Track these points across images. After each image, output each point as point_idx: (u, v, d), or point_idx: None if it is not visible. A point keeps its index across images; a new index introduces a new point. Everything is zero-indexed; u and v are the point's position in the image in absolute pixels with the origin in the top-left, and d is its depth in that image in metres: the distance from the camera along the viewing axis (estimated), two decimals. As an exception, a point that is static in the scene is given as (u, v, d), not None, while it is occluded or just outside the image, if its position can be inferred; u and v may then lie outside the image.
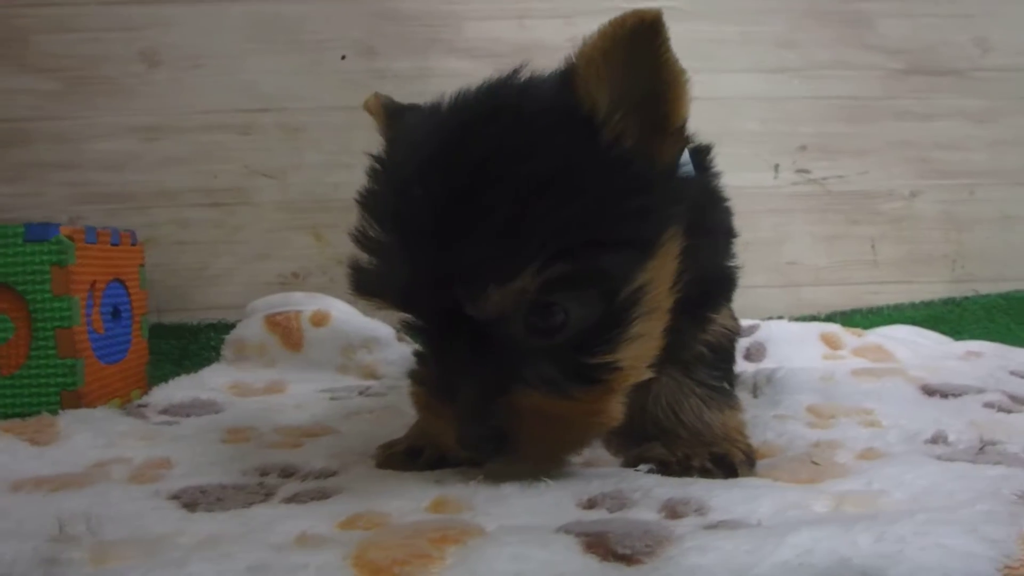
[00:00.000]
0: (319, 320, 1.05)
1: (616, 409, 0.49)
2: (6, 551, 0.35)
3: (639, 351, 0.49)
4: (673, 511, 0.45)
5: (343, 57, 1.24)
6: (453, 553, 0.35)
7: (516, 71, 0.54)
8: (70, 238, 0.87)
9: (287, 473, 0.55)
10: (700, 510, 0.45)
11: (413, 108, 0.61)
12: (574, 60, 0.49)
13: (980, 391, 0.78)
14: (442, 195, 0.45)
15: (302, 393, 0.92)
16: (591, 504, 0.46)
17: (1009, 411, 0.72)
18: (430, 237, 0.45)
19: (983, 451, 0.57)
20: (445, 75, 1.25)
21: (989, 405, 0.73)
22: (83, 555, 0.35)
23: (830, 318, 1.28)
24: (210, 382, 0.96)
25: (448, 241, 0.45)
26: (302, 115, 1.24)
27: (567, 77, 0.49)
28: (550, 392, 0.47)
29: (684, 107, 0.50)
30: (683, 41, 1.22)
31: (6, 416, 0.83)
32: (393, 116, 0.61)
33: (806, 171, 1.33)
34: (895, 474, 0.51)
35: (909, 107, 1.34)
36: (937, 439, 0.62)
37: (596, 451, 0.60)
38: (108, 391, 0.93)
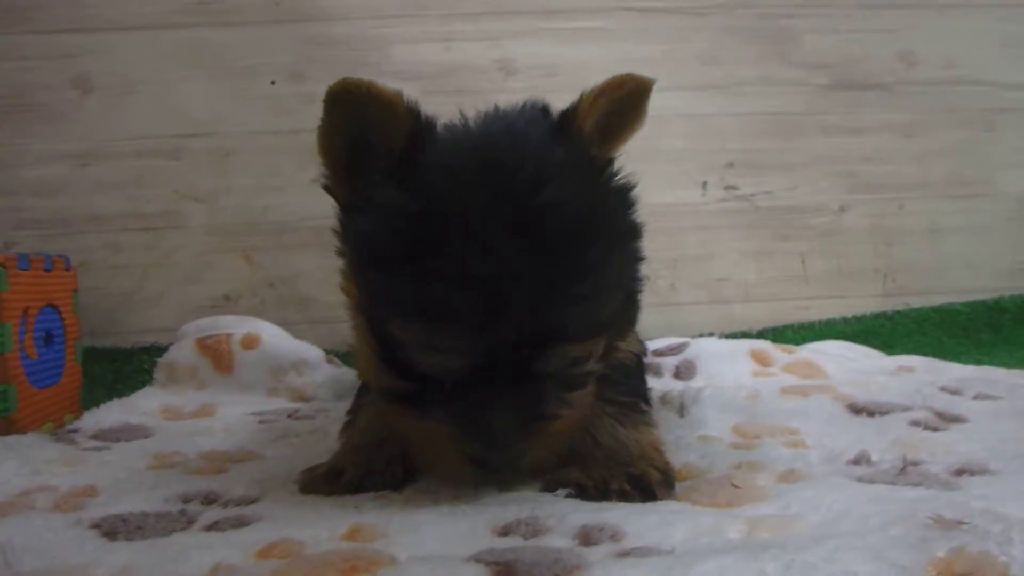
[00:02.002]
0: (249, 343, 1.08)
1: None
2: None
3: None
4: (587, 537, 0.46)
5: (273, 82, 1.27)
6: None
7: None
8: (2, 265, 0.89)
9: (209, 500, 0.58)
10: (614, 536, 0.46)
11: (437, 126, 0.57)
12: (576, 114, 0.55)
13: (906, 408, 0.79)
14: (531, 250, 0.47)
15: (231, 416, 0.95)
16: (506, 531, 0.48)
17: (935, 429, 0.73)
18: (519, 291, 0.47)
19: (904, 472, 0.58)
20: (375, 99, 1.29)
21: (915, 423, 0.74)
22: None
23: (761, 334, 1.29)
24: (141, 406, 0.98)
25: (537, 300, 0.47)
26: (232, 139, 1.26)
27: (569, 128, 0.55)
28: (562, 420, 0.54)
29: (633, 134, 0.59)
30: (608, 61, 1.34)
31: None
32: (420, 128, 0.55)
33: (734, 187, 1.35)
34: (812, 497, 0.51)
35: (836, 122, 1.36)
36: (860, 459, 0.62)
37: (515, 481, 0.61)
38: (41, 415, 0.94)
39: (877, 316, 1.35)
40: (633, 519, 0.48)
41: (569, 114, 0.56)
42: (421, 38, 1.30)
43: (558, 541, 0.46)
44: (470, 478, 0.54)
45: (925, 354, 1.20)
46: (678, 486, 0.57)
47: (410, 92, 1.33)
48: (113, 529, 0.51)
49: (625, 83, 0.57)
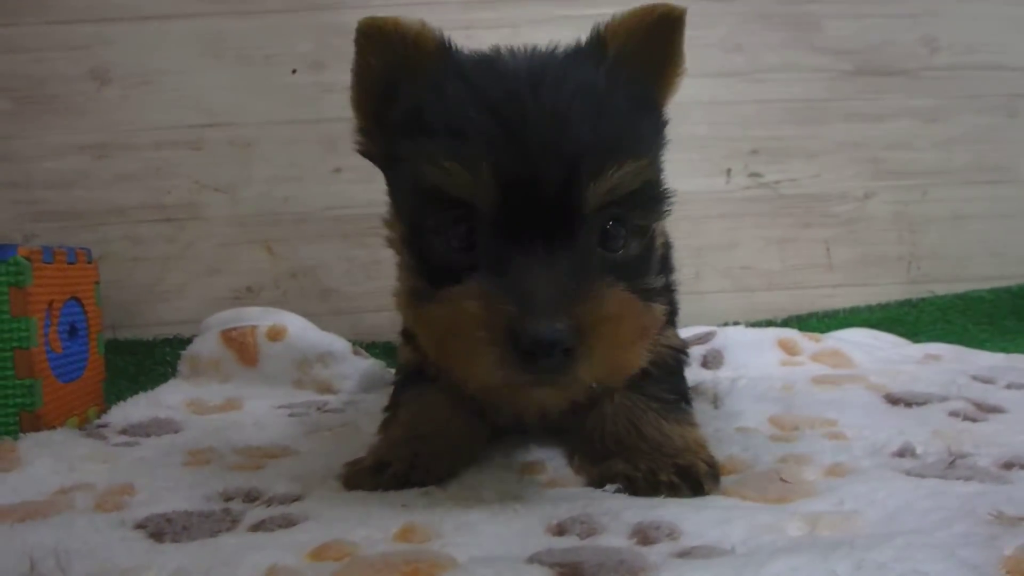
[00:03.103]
0: (275, 335, 1.07)
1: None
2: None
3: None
4: (645, 536, 0.45)
5: (294, 71, 1.26)
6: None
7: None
8: (27, 259, 0.88)
9: (251, 498, 0.58)
10: (672, 535, 0.45)
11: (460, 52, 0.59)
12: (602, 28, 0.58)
13: (944, 399, 0.79)
14: (559, 100, 0.50)
15: (259, 409, 0.94)
16: (560, 530, 0.47)
17: (975, 420, 0.72)
18: (554, 121, 0.49)
19: (953, 465, 0.57)
20: (393, 89, 1.28)
21: (954, 414, 0.73)
22: (57, 592, 0.38)
23: (785, 322, 1.30)
24: (167, 400, 0.97)
25: (571, 125, 0.50)
26: (252, 130, 1.26)
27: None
28: (619, 299, 0.50)
29: (677, 78, 0.62)
30: None
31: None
32: (442, 52, 0.57)
33: (758, 175, 1.35)
34: (866, 492, 0.51)
35: (859, 108, 1.35)
36: (904, 452, 0.62)
37: (561, 471, 0.62)
38: (66, 409, 0.94)
39: (902, 304, 1.36)
40: (688, 516, 0.48)
41: (596, 32, 0.58)
42: (441, 27, 1.29)
43: (616, 540, 0.45)
44: (512, 380, 0.47)
45: (950, 342, 1.20)
46: (724, 480, 0.57)
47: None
48: (159, 530, 0.50)
49: (655, 9, 0.59)
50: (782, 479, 0.56)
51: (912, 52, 1.37)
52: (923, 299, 1.35)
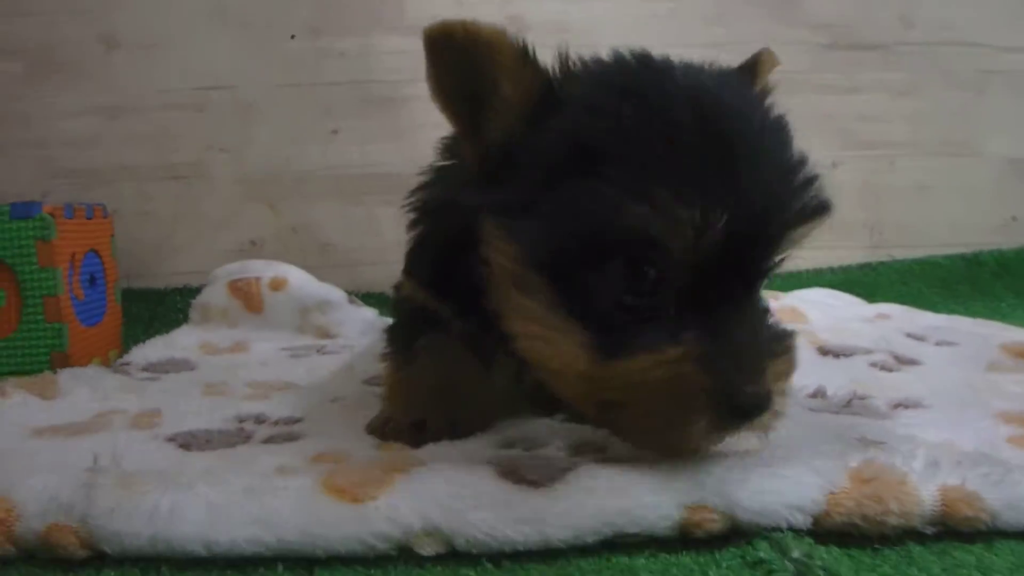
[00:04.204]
0: (277, 285, 1.17)
1: None
2: (50, 480, 0.48)
3: None
4: (577, 450, 0.55)
5: (293, 37, 1.33)
6: (400, 479, 0.47)
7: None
8: (51, 215, 0.98)
9: (260, 420, 0.68)
10: (601, 449, 0.54)
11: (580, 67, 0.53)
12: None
13: (869, 352, 0.89)
14: (770, 142, 0.49)
15: (265, 351, 1.05)
16: (509, 445, 0.57)
17: (890, 370, 0.82)
18: (777, 170, 0.47)
19: (849, 404, 0.66)
20: (388, 52, 1.35)
21: (874, 364, 0.84)
22: (113, 481, 0.48)
23: None
24: (181, 342, 1.08)
25: (792, 174, 0.48)
26: (253, 93, 1.33)
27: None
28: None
29: None
30: (616, 19, 1.44)
31: (6, 372, 0.95)
32: (534, 67, 0.51)
33: None
34: None
35: (833, 81, 1.40)
36: (817, 394, 0.70)
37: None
38: (90, 351, 1.05)
39: (862, 267, 1.44)
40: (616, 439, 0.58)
41: (753, 61, 0.61)
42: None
43: (554, 452, 0.56)
44: (716, 441, 0.47)
45: (906, 304, 1.28)
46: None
47: (421, 46, 1.40)
48: (187, 443, 0.61)
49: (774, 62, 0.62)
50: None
51: (888, 27, 1.42)
52: (882, 263, 1.44)
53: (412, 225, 0.70)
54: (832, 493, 0.46)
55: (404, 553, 0.45)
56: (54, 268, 0.97)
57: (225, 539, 0.45)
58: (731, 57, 1.38)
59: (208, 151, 1.34)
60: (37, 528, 0.46)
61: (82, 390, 0.78)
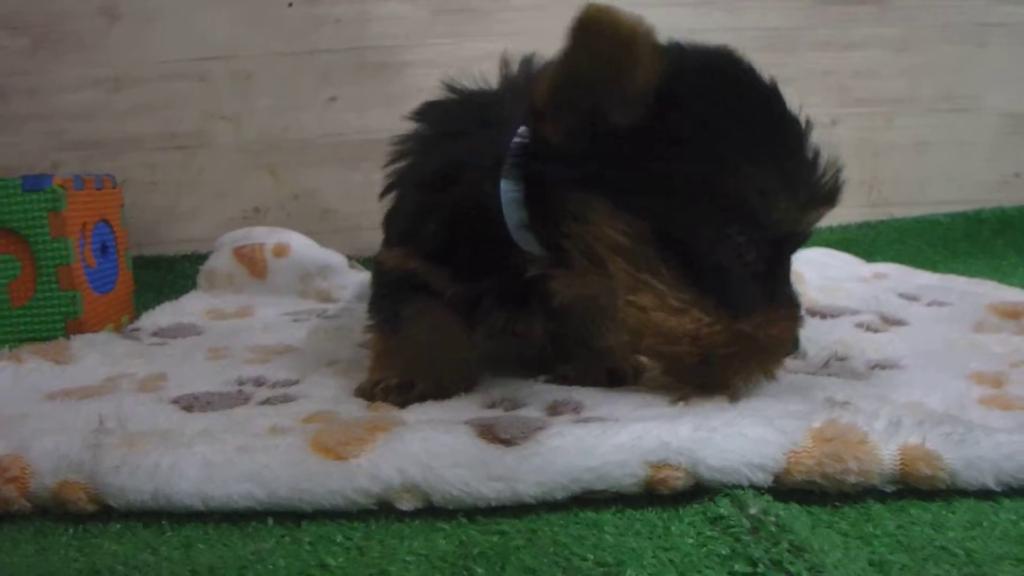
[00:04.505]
0: (280, 251, 1.20)
1: None
2: (61, 441, 0.51)
3: None
4: (554, 409, 0.58)
5: (290, 4, 1.34)
6: (382, 438, 0.50)
7: None
8: (61, 187, 1.01)
9: (259, 383, 0.72)
10: (576, 409, 0.58)
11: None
12: None
13: (856, 312, 0.90)
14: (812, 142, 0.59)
15: (268, 316, 1.08)
16: (492, 405, 0.60)
17: (876, 331, 0.83)
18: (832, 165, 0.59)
19: (827, 365, 0.68)
20: (383, 18, 1.35)
21: (859, 325, 0.85)
22: (118, 441, 0.51)
23: None
24: (189, 308, 1.12)
25: (827, 171, 0.59)
26: (252, 62, 1.35)
27: None
28: None
29: None
30: None
31: (24, 339, 0.99)
32: (662, 56, 0.55)
33: None
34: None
35: (830, 37, 1.38)
36: (797, 356, 0.66)
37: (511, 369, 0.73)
38: (103, 317, 1.09)
39: (861, 226, 1.43)
40: (593, 395, 0.62)
41: None
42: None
43: (532, 412, 0.59)
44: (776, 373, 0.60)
45: (905, 262, 1.28)
46: (646, 375, 0.70)
47: (416, 12, 1.42)
48: (189, 405, 0.65)
49: None
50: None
51: (888, -20, 1.39)
52: (882, 221, 1.43)
53: (406, 196, 0.70)
54: (793, 452, 0.48)
55: (384, 508, 0.49)
56: (66, 238, 1.01)
57: (220, 494, 0.49)
58: (726, 17, 1.37)
59: (209, 120, 1.36)
60: (49, 485, 0.50)
61: (93, 355, 0.82)
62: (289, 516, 0.49)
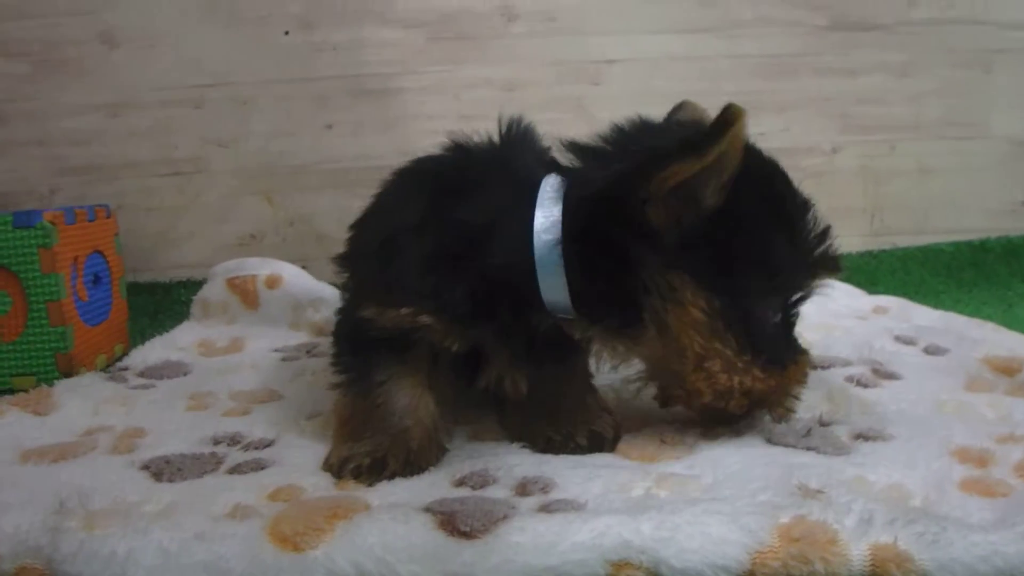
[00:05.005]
0: (272, 283, 1.20)
1: None
2: (22, 521, 0.51)
3: None
4: (524, 488, 0.57)
5: (287, 32, 1.33)
6: (340, 526, 0.50)
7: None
8: (52, 222, 1.01)
9: (235, 441, 0.71)
10: (545, 488, 0.57)
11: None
12: None
13: (848, 363, 0.88)
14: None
15: (258, 351, 1.08)
16: (460, 482, 0.59)
17: (867, 386, 0.80)
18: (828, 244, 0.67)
19: (809, 434, 0.66)
20: (379, 45, 1.34)
21: (850, 379, 0.82)
22: (78, 524, 0.51)
23: None
24: (180, 341, 1.12)
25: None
26: (248, 88, 1.34)
27: None
28: None
29: None
30: (605, 4, 1.42)
31: (14, 374, 1.00)
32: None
33: None
34: (719, 456, 0.62)
35: (831, 63, 1.36)
36: (786, 417, 0.68)
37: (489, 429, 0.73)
38: (95, 349, 1.09)
39: (863, 255, 1.41)
40: (565, 472, 0.60)
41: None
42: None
43: (499, 492, 0.58)
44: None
45: (908, 292, 1.27)
46: (623, 438, 0.69)
47: (415, 39, 1.41)
48: (159, 470, 0.64)
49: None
50: (662, 440, 0.67)
51: (890, 6, 1.37)
52: (884, 250, 1.40)
53: (414, 254, 0.66)
54: (759, 552, 0.47)
55: (341, 601, 0.48)
56: (56, 274, 1.01)
57: (176, 585, 0.48)
58: (724, 44, 1.35)
59: (206, 146, 1.36)
60: (8, 569, 0.50)
61: (74, 403, 0.82)
62: (245, 607, 0.48)
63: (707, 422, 0.69)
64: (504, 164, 0.69)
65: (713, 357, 0.63)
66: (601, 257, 0.63)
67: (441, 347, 0.67)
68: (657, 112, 1.34)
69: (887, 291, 1.31)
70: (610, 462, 0.64)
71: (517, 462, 0.63)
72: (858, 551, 0.47)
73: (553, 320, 0.66)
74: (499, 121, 0.73)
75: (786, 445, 0.65)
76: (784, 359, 0.66)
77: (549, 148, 0.73)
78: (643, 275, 0.62)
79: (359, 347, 0.70)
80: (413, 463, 0.63)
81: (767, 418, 0.72)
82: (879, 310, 1.20)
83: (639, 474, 0.60)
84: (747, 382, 0.64)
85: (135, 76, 1.33)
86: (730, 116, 0.58)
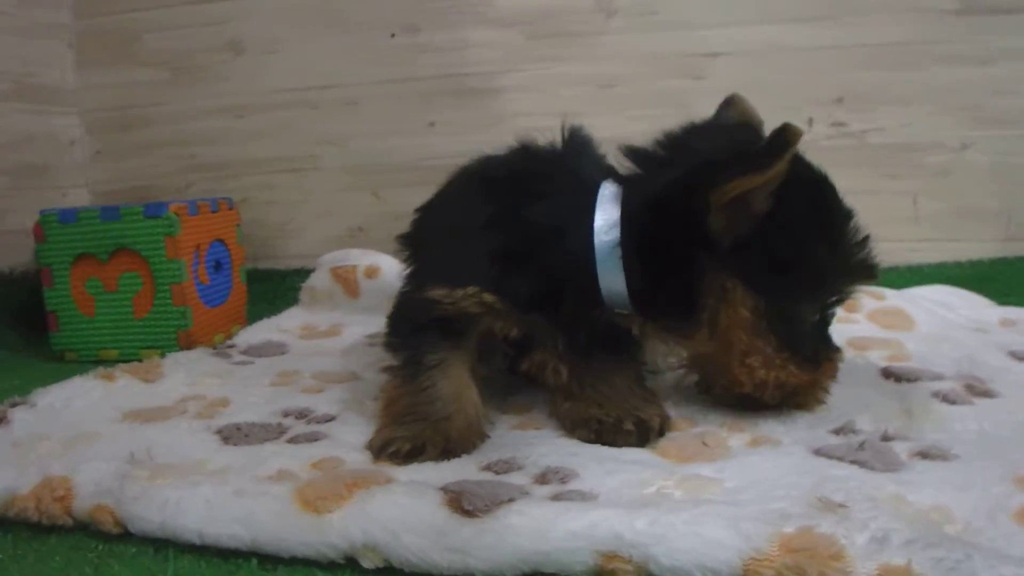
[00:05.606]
0: (371, 273, 1.27)
1: None
2: (102, 468, 0.60)
3: None
4: (544, 477, 0.58)
5: (392, 35, 1.41)
6: (358, 495, 0.54)
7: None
8: (176, 213, 1.14)
9: (302, 415, 0.77)
10: (564, 479, 0.57)
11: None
12: None
13: (939, 377, 0.81)
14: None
15: (353, 337, 1.15)
16: (487, 467, 0.61)
17: (954, 402, 0.74)
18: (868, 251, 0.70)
19: (863, 447, 0.62)
20: (479, 45, 1.38)
21: (936, 394, 0.76)
22: (144, 474, 0.58)
23: None
24: (284, 324, 1.21)
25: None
26: (358, 90, 1.43)
27: None
28: None
29: None
30: None
31: (143, 347, 1.14)
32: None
33: (842, 124, 1.30)
34: (753, 463, 0.60)
35: (960, 51, 1.24)
36: (843, 430, 0.68)
37: (540, 415, 0.75)
38: (213, 328, 1.21)
39: (995, 262, 1.28)
40: (589, 465, 0.60)
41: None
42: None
43: (520, 479, 0.59)
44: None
45: (1047, 303, 1.14)
46: (668, 435, 0.68)
47: (513, 38, 1.45)
48: (229, 435, 0.71)
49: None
50: (704, 443, 0.66)
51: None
52: (1019, 257, 1.26)
53: (479, 240, 0.71)
54: (753, 559, 0.46)
55: (351, 563, 0.52)
56: (179, 260, 1.13)
57: (213, 532, 0.54)
58: (837, 33, 1.26)
59: (319, 144, 1.46)
60: (86, 506, 0.58)
61: (179, 374, 0.92)
62: (270, 559, 0.53)
63: (744, 407, 0.73)
64: (566, 169, 0.73)
65: (755, 353, 0.68)
66: (660, 258, 0.67)
67: (497, 333, 0.71)
68: (764, 107, 1.30)
69: (1022, 303, 1.18)
70: (641, 458, 0.63)
71: (546, 452, 0.64)
72: (865, 569, 0.45)
73: (610, 315, 0.70)
74: (561, 128, 0.77)
75: (833, 457, 0.62)
76: (819, 357, 0.71)
77: (605, 155, 0.76)
78: (699, 276, 0.66)
79: (415, 329, 0.73)
80: (451, 451, 0.65)
81: (821, 430, 0.69)
82: (1006, 323, 1.09)
83: (663, 472, 0.59)
84: (782, 376, 0.69)
85: (258, 80, 1.46)
86: (791, 137, 0.61)
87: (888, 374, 0.85)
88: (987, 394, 0.78)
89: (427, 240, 0.82)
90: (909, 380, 0.82)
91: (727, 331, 0.67)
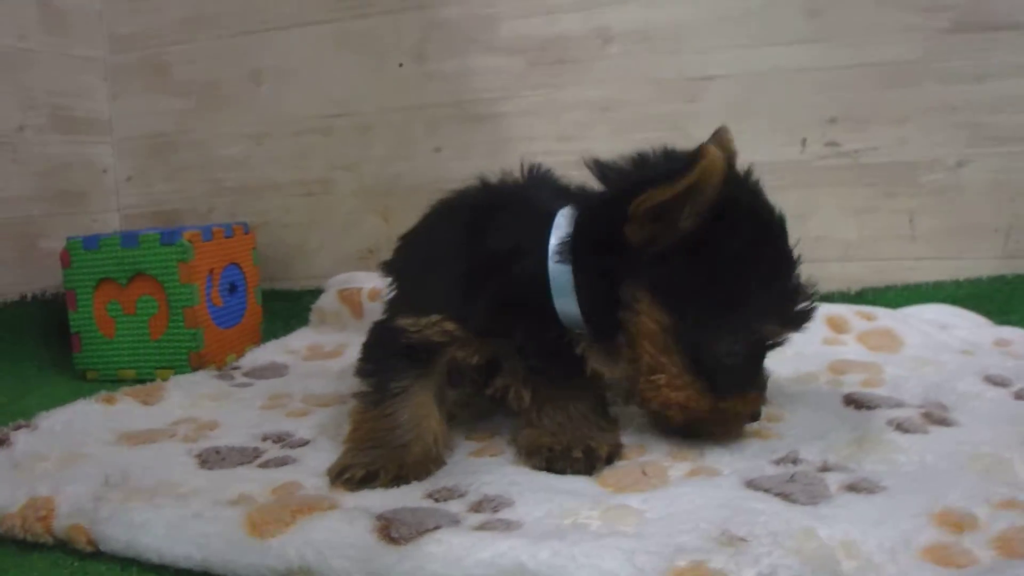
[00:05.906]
0: (373, 295, 1.32)
1: None
2: (81, 489, 0.66)
3: None
4: (479, 505, 0.61)
5: (401, 64, 1.46)
6: (300, 520, 0.58)
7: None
8: (190, 240, 1.21)
9: (279, 439, 0.82)
10: (497, 507, 0.60)
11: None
12: None
13: (898, 405, 0.81)
14: None
15: (352, 357, 1.19)
16: (430, 495, 0.64)
17: (907, 431, 0.74)
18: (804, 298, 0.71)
19: (792, 480, 0.64)
20: (484, 72, 1.42)
21: (891, 422, 0.76)
22: (117, 496, 0.64)
23: (860, 295, 1.27)
24: (292, 344, 1.28)
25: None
26: (369, 116, 1.49)
27: None
28: None
29: None
30: (703, 21, 1.45)
31: (158, 367, 1.21)
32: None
33: (836, 144, 1.29)
34: (681, 494, 0.62)
35: (956, 68, 1.22)
36: (785, 459, 0.69)
37: (495, 446, 0.78)
38: (226, 348, 1.28)
39: (994, 280, 1.25)
40: (524, 494, 0.63)
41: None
42: (525, 13, 1.40)
43: (456, 507, 0.62)
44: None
45: (1046, 323, 1.11)
46: (614, 464, 0.71)
47: (515, 65, 1.49)
48: (207, 459, 0.77)
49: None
50: (644, 472, 0.68)
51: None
52: (1018, 275, 1.23)
53: (447, 269, 0.76)
54: (647, 591, 0.48)
55: (288, 585, 0.56)
56: (191, 284, 1.20)
57: (171, 553, 0.60)
58: (831, 54, 1.25)
59: (333, 169, 1.53)
60: (65, 525, 0.64)
61: (178, 396, 0.98)
62: (221, 580, 0.58)
63: (661, 428, 0.77)
64: (525, 199, 0.77)
65: (660, 370, 0.69)
66: (593, 274, 0.70)
67: (461, 360, 0.74)
68: (758, 128, 1.30)
69: (1021, 321, 1.16)
70: (576, 488, 0.66)
71: (490, 480, 0.67)
72: (747, 604, 0.47)
73: (570, 336, 0.73)
74: (520, 166, 0.82)
75: (760, 489, 0.63)
76: (731, 390, 0.71)
77: (567, 187, 0.80)
78: (617, 288, 0.68)
79: (385, 356, 0.77)
80: (404, 477, 0.68)
81: (764, 460, 0.70)
82: (1001, 343, 1.08)
83: (591, 503, 0.61)
84: (682, 398, 0.70)
85: (276, 108, 1.53)
86: (700, 152, 0.63)
87: (849, 401, 0.85)
88: (944, 423, 0.77)
89: (402, 269, 0.87)
90: (869, 407, 0.82)
91: (635, 343, 0.69)
